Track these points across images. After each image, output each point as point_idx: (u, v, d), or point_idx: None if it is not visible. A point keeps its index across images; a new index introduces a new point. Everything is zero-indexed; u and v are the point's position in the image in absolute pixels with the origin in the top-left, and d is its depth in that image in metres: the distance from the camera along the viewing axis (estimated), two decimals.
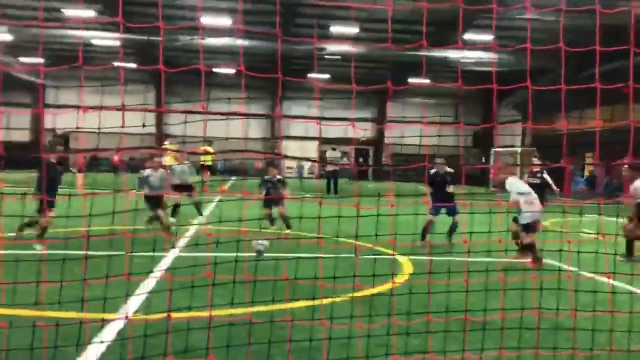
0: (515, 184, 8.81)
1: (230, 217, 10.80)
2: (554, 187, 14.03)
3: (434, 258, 7.28)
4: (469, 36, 28.05)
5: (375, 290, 6.02)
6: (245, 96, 37.91)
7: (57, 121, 37.10)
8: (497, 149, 34.39)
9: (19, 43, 29.00)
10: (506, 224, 8.51)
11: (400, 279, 7.00)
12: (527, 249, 8.47)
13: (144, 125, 38.91)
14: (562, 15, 15.31)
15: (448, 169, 10.29)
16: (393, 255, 7.96)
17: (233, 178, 26.59)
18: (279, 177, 11.42)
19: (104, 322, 4.60)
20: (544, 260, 8.08)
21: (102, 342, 4.31)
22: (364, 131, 40.79)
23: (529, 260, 8.31)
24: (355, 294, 5.59)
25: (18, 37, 27.59)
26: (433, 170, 10.25)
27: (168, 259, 7.96)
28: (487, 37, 27.96)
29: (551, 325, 4.85)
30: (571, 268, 6.12)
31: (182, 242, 9.42)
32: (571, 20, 21.06)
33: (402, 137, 34.43)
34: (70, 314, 4.75)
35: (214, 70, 35.28)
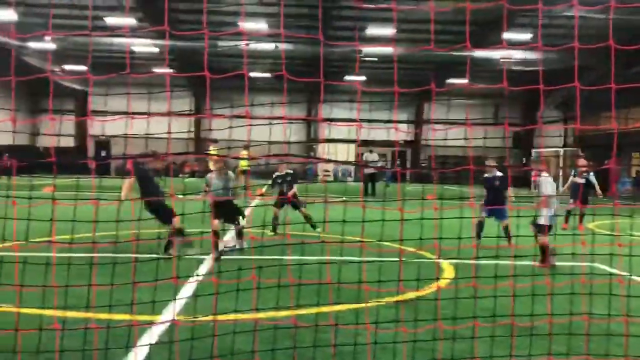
0: (545, 183, 8.68)
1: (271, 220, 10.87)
2: (598, 191, 13.77)
3: (478, 262, 7.16)
4: (508, 35, 27.55)
5: (419, 294, 5.97)
6: (281, 100, 38.10)
7: (100, 127, 38.07)
8: (539, 150, 33.69)
9: (61, 51, 29.87)
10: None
11: (444, 283, 6.92)
12: (542, 251, 8.30)
13: (189, 131, 39.59)
14: (610, 13, 14.94)
15: (498, 173, 10.25)
16: (437, 259, 7.88)
17: (270, 181, 26.79)
18: (287, 171, 11.22)
19: (152, 325, 4.69)
20: (591, 264, 7.87)
21: (149, 344, 4.39)
22: (407, 134, 40.52)
23: (540, 262, 8.12)
24: (400, 298, 5.55)
25: (61, 46, 28.42)
26: (486, 175, 10.28)
27: (213, 261, 8.04)
28: (526, 36, 27.40)
29: (602, 331, 4.73)
30: (622, 272, 5.96)
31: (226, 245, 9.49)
32: (617, 16, 20.54)
33: (444, 139, 33.98)
34: (119, 316, 4.86)
35: (252, 74, 35.55)
